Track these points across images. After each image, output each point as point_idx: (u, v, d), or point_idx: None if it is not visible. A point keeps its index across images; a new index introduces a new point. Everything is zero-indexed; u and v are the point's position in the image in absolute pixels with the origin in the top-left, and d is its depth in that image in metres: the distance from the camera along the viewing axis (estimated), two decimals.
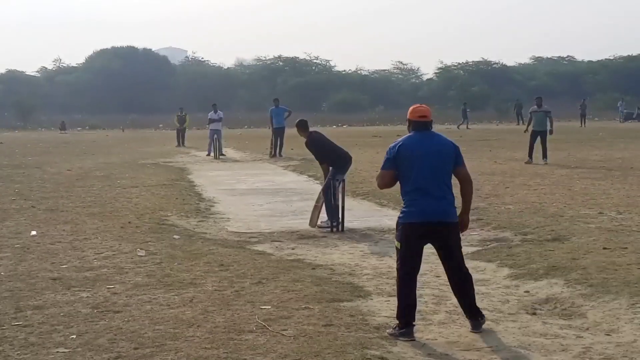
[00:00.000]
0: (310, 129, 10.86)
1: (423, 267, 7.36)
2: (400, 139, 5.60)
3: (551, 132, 19.33)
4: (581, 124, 43.84)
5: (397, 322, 5.40)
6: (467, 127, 43.04)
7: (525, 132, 19.78)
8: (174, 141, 30.48)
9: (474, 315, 5.52)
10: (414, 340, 5.24)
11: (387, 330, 5.40)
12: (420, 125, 5.57)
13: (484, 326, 5.53)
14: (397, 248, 5.53)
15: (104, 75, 76.38)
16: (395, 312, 5.50)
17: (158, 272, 7.24)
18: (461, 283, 5.54)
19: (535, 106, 19.82)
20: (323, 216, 10.28)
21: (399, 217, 5.48)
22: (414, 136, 5.55)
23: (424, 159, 5.41)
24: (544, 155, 18.83)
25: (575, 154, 21.83)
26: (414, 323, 5.38)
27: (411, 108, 5.69)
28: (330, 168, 10.43)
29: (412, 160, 5.42)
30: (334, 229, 9.96)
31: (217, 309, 5.93)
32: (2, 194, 13.51)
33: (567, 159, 20.17)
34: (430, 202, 5.35)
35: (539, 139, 19.08)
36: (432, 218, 5.34)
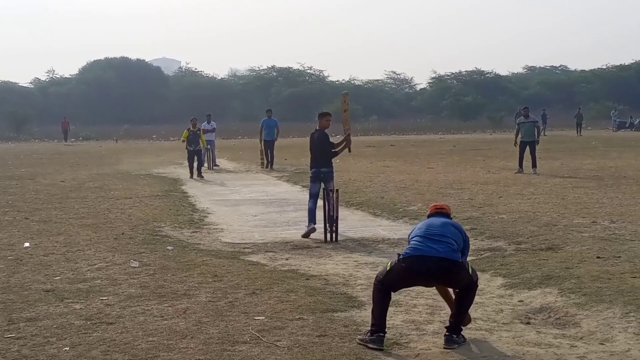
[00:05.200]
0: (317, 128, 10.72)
1: None
2: None
3: (538, 142, 19.47)
4: (577, 133, 43.89)
5: (369, 328, 5.37)
6: (544, 134, 42.04)
7: (515, 144, 19.83)
8: (169, 153, 29.74)
9: (454, 329, 5.41)
10: (383, 349, 5.21)
11: (358, 337, 5.39)
12: (437, 215, 5.84)
13: (477, 336, 5.52)
14: (386, 267, 5.52)
15: (98, 86, 76.38)
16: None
17: (151, 284, 7.23)
18: (465, 290, 5.49)
19: (523, 117, 19.93)
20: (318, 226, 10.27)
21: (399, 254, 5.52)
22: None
23: (437, 221, 5.64)
24: (534, 165, 18.98)
25: (568, 163, 21.90)
26: (385, 332, 5.36)
27: (431, 205, 6.09)
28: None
29: (426, 222, 5.68)
30: (327, 239, 9.96)
31: (210, 320, 5.92)
32: None
33: (560, 168, 20.24)
34: (433, 246, 5.39)
35: (527, 148, 19.18)
36: (436, 253, 5.35)
